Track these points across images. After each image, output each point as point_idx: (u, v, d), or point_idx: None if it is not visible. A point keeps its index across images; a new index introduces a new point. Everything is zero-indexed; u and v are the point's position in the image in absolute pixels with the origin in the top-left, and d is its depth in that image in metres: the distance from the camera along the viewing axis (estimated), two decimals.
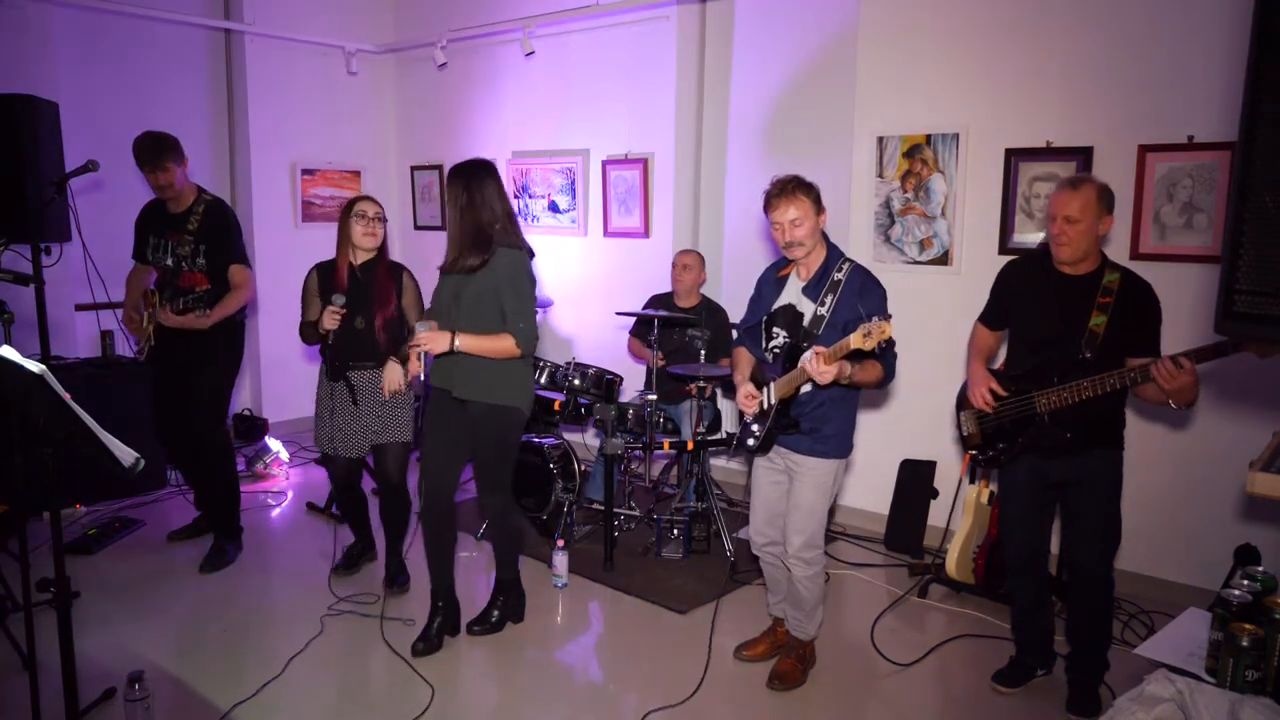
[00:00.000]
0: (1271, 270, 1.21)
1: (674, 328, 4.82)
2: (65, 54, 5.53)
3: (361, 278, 3.77)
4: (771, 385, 3.01)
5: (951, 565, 3.89)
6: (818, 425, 3.00)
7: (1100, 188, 2.84)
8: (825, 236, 3.03)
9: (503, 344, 3.25)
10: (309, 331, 3.80)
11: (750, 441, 3.07)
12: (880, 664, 3.43)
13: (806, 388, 2.96)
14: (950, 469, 4.48)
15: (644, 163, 5.63)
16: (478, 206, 3.25)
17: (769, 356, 3.08)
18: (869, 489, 4.82)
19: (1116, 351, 2.84)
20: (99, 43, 5.75)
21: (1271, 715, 1.74)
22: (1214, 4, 3.66)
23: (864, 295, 2.91)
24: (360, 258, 3.78)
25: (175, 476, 5.14)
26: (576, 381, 4.60)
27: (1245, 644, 1.87)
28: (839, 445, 3.06)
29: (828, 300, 2.93)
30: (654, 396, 4.44)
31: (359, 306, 3.74)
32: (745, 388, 3.08)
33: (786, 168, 5.20)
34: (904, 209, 4.56)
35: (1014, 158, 4.19)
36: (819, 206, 2.94)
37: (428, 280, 3.70)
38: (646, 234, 5.71)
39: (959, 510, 4.11)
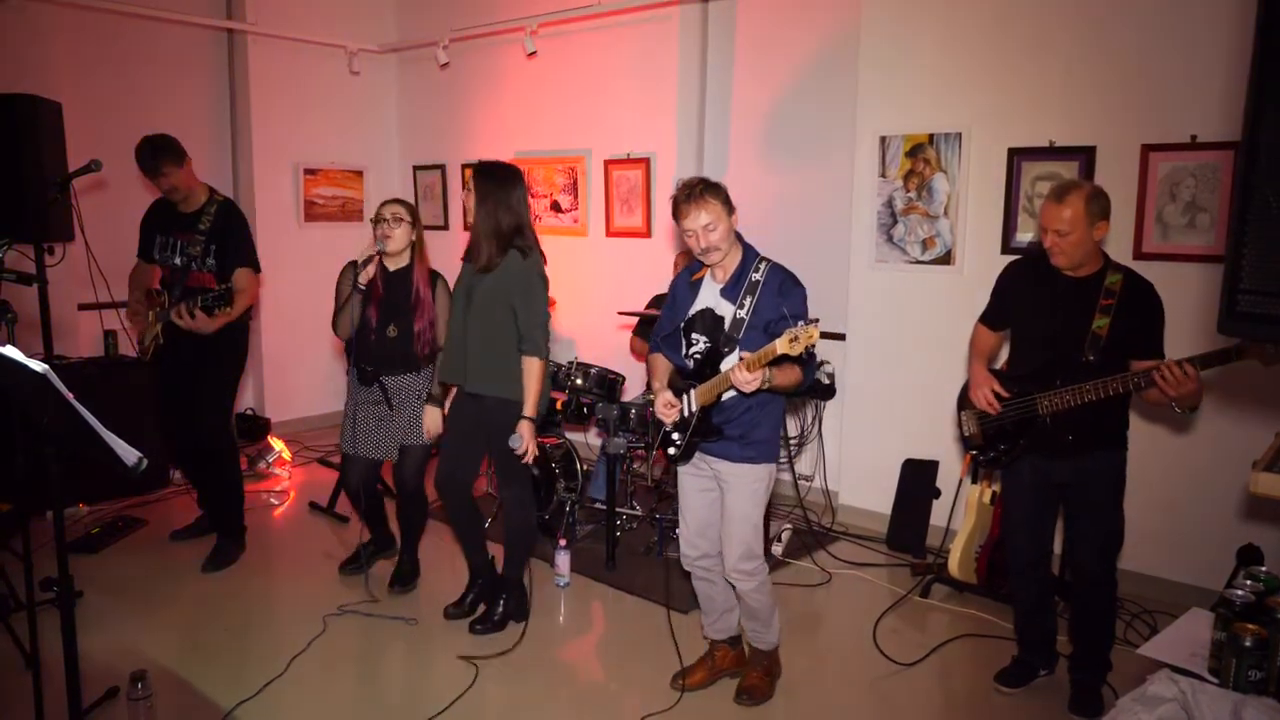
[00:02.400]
0: (1275, 270, 1.21)
1: None
2: (68, 54, 5.53)
3: (395, 283, 3.72)
4: (692, 392, 2.91)
5: (954, 565, 3.88)
6: (745, 431, 2.90)
7: (1089, 195, 2.79)
8: (739, 236, 2.93)
9: (535, 371, 3.36)
10: (340, 321, 3.73)
11: (671, 450, 2.98)
12: (882, 664, 3.43)
13: (730, 394, 2.87)
14: (952, 469, 4.48)
15: (646, 163, 5.62)
16: (499, 208, 3.32)
17: (689, 363, 2.98)
18: (871, 488, 4.81)
19: (1119, 353, 2.83)
20: (102, 43, 5.75)
21: (1274, 716, 1.74)
22: (1218, 3, 3.65)
23: (785, 295, 2.82)
24: (392, 263, 3.72)
25: (178, 476, 5.14)
26: (579, 381, 4.60)
27: (1248, 644, 1.87)
28: (768, 450, 2.96)
29: (747, 302, 2.84)
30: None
31: (391, 314, 3.70)
32: (664, 395, 2.97)
33: (789, 168, 5.27)
34: (906, 208, 4.55)
35: (1017, 157, 4.18)
36: (729, 207, 2.83)
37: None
38: (648, 234, 5.71)
39: (961, 510, 4.11)
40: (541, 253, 3.45)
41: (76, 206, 4.13)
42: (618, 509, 4.43)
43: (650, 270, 5.55)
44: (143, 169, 3.99)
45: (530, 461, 3.41)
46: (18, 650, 3.30)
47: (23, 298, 3.94)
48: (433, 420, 3.75)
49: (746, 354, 2.65)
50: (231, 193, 6.38)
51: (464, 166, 6.69)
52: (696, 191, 2.79)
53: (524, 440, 3.34)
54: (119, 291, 4.36)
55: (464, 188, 3.34)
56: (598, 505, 4.65)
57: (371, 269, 3.63)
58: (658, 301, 5.04)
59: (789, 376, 2.72)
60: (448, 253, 6.69)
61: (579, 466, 4.62)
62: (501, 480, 3.59)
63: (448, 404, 3.63)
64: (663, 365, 3.10)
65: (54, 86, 5.03)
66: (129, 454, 2.29)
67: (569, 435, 4.84)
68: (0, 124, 4.10)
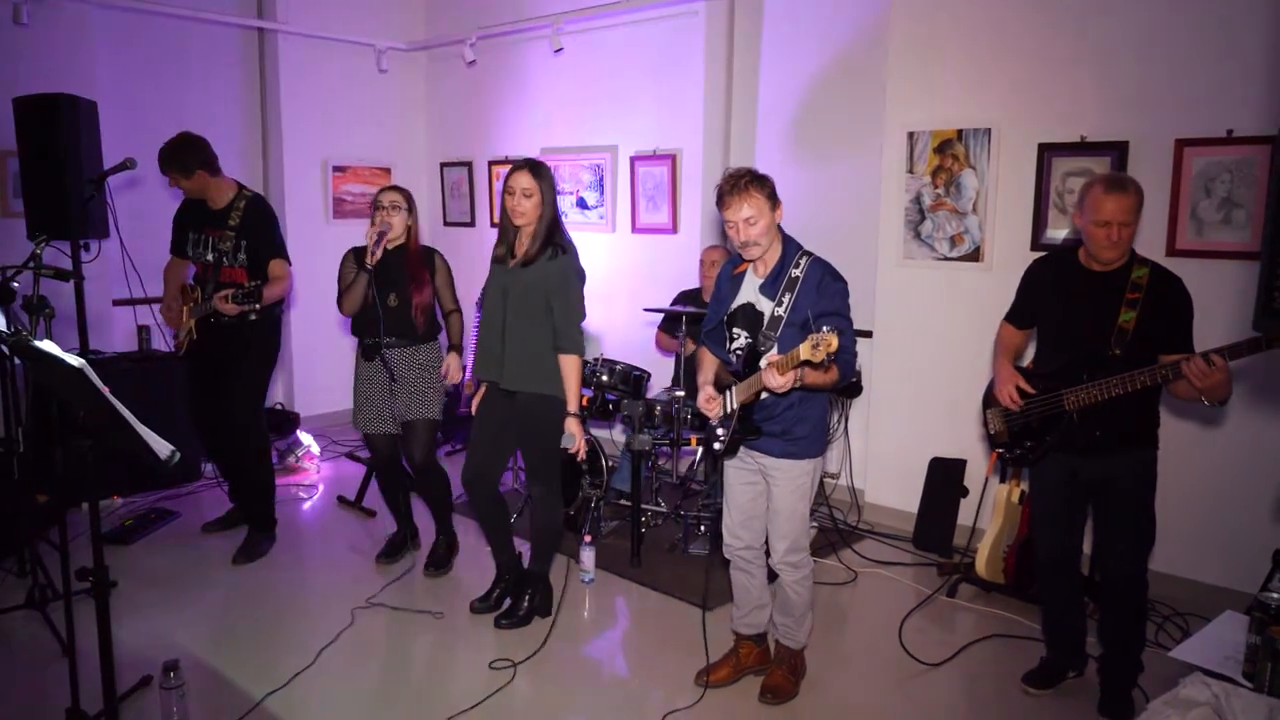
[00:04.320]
0: None
1: (701, 324, 4.80)
2: (104, 54, 5.62)
3: (392, 259, 3.90)
4: (734, 389, 2.92)
5: (981, 564, 3.85)
6: (789, 427, 2.91)
7: (1140, 187, 2.79)
8: (781, 231, 2.91)
9: (574, 368, 3.44)
10: (346, 299, 3.89)
11: (716, 445, 2.99)
12: (909, 664, 3.41)
13: (767, 393, 2.87)
14: (980, 467, 4.44)
15: (672, 159, 5.62)
16: (550, 205, 3.42)
17: (732, 358, 2.99)
18: (898, 487, 4.78)
19: (1147, 348, 2.80)
20: (136, 42, 5.83)
21: None
22: None
23: (822, 292, 2.79)
24: (390, 243, 3.91)
25: (210, 469, 5.21)
26: (604, 377, 4.61)
27: None
28: (812, 444, 2.97)
29: (785, 299, 2.82)
30: (682, 393, 4.44)
31: (390, 284, 3.88)
32: (706, 391, 2.99)
33: (816, 163, 5.24)
34: (935, 205, 4.52)
35: (1047, 153, 4.14)
36: (774, 201, 2.82)
37: (461, 269, 3.84)
38: (674, 230, 5.70)
39: (989, 509, 4.07)
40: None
41: (112, 204, 4.20)
42: (642, 505, 4.44)
43: (676, 266, 5.55)
44: (163, 172, 4.12)
45: (582, 456, 3.49)
46: (55, 638, 3.37)
47: (59, 293, 4.01)
48: (454, 365, 3.99)
49: (775, 356, 2.63)
50: (262, 189, 6.45)
51: (491, 163, 6.72)
52: (742, 183, 2.77)
53: (576, 437, 3.41)
54: (153, 287, 4.43)
55: (507, 191, 3.37)
56: (622, 501, 4.65)
57: (380, 252, 3.80)
58: (684, 298, 5.04)
59: (821, 377, 2.68)
60: (475, 250, 6.76)
61: (604, 463, 4.62)
62: (530, 476, 3.63)
63: (476, 401, 3.66)
64: (708, 360, 3.12)
65: (90, 86, 5.11)
66: (163, 447, 2.33)
67: (594, 431, 4.85)
68: (40, 123, 4.17)
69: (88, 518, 2.53)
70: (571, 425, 3.42)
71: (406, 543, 4.33)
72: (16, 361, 3.49)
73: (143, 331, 5.32)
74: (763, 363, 2.75)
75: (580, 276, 3.48)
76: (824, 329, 2.47)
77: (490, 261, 3.59)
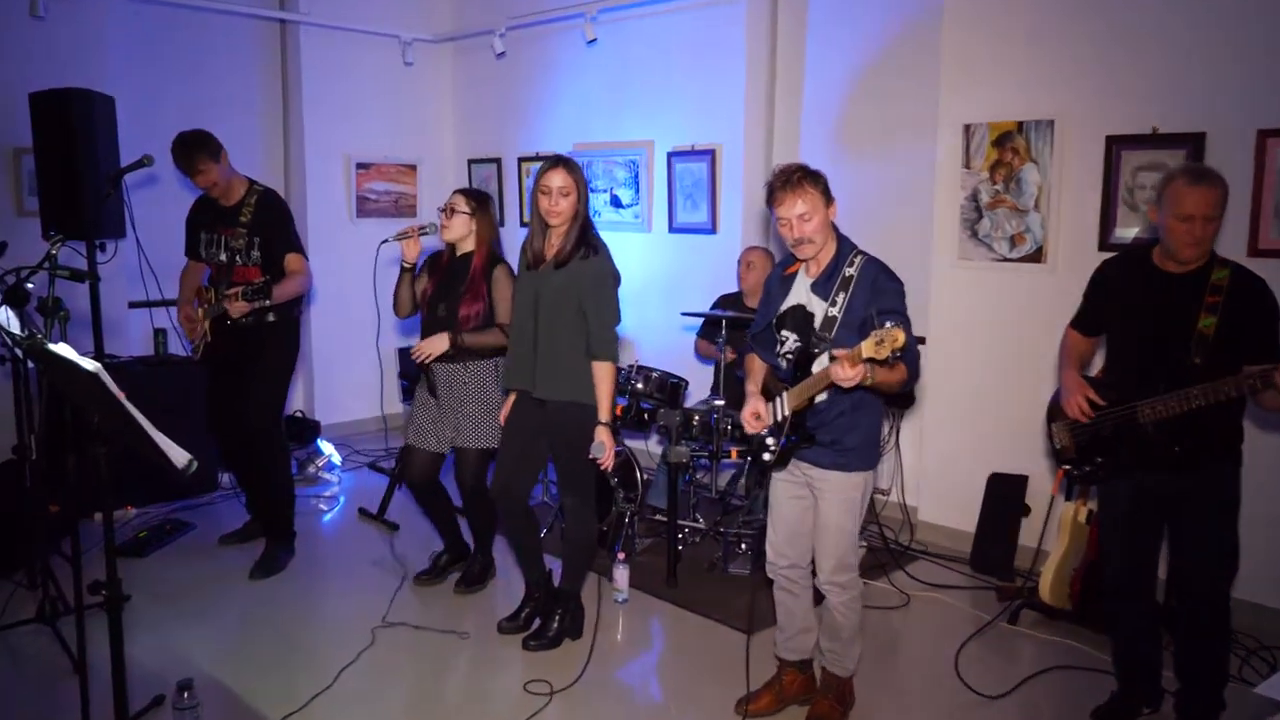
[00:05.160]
0: None
1: (743, 329, 4.77)
2: (121, 47, 5.72)
3: (457, 266, 3.92)
4: (784, 395, 2.91)
5: (1045, 589, 3.78)
6: (839, 436, 2.89)
7: (1224, 180, 2.73)
8: (835, 228, 2.92)
9: (607, 375, 3.42)
10: (396, 298, 3.97)
11: (765, 456, 2.98)
12: (965, 695, 3.35)
13: (822, 396, 2.85)
14: (1043, 484, 4.37)
15: (711, 154, 5.60)
16: (584, 203, 3.43)
17: (782, 363, 2.98)
18: (954, 505, 4.72)
19: (1229, 355, 2.73)
20: (154, 36, 5.93)
21: None
22: None
23: (878, 292, 2.79)
24: (460, 248, 3.93)
25: (227, 479, 5.27)
26: (639, 385, 4.59)
27: None
28: (864, 456, 2.94)
29: (839, 299, 2.81)
30: (721, 402, 4.41)
31: (445, 293, 3.89)
32: (751, 404, 2.98)
33: (865, 158, 5.20)
34: (993, 202, 4.46)
35: (1116, 145, 4.07)
36: (828, 197, 2.83)
37: None
38: (714, 230, 5.69)
39: (1053, 529, 4.00)
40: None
41: (128, 202, 4.26)
42: (679, 521, 4.41)
43: (716, 268, 5.53)
44: (179, 167, 4.14)
45: (610, 468, 3.47)
46: (65, 654, 3.41)
47: (74, 295, 4.08)
48: (437, 343, 3.79)
49: (841, 350, 2.59)
50: (283, 187, 6.54)
51: (521, 159, 6.75)
52: (794, 178, 2.78)
53: (605, 447, 3.39)
54: (170, 289, 4.49)
55: (541, 190, 3.38)
56: (658, 517, 4.63)
57: (409, 246, 3.86)
58: (724, 301, 5.01)
59: (889, 375, 2.65)
60: (505, 250, 6.74)
61: (639, 476, 4.61)
62: (562, 488, 3.63)
63: (505, 410, 3.66)
64: (757, 366, 3.12)
65: (107, 80, 5.20)
66: (180, 456, 2.35)
67: (629, 443, 4.84)
68: (55, 119, 4.25)
69: (101, 529, 2.56)
70: (601, 434, 3.41)
71: (453, 563, 4.28)
72: (30, 365, 3.55)
73: (159, 335, 5.41)
74: (817, 364, 2.72)
75: (615, 278, 3.49)
76: (886, 324, 2.46)
77: (519, 265, 3.60)
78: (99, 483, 2.49)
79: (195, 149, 4.06)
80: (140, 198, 5.00)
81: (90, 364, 2.28)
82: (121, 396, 2.32)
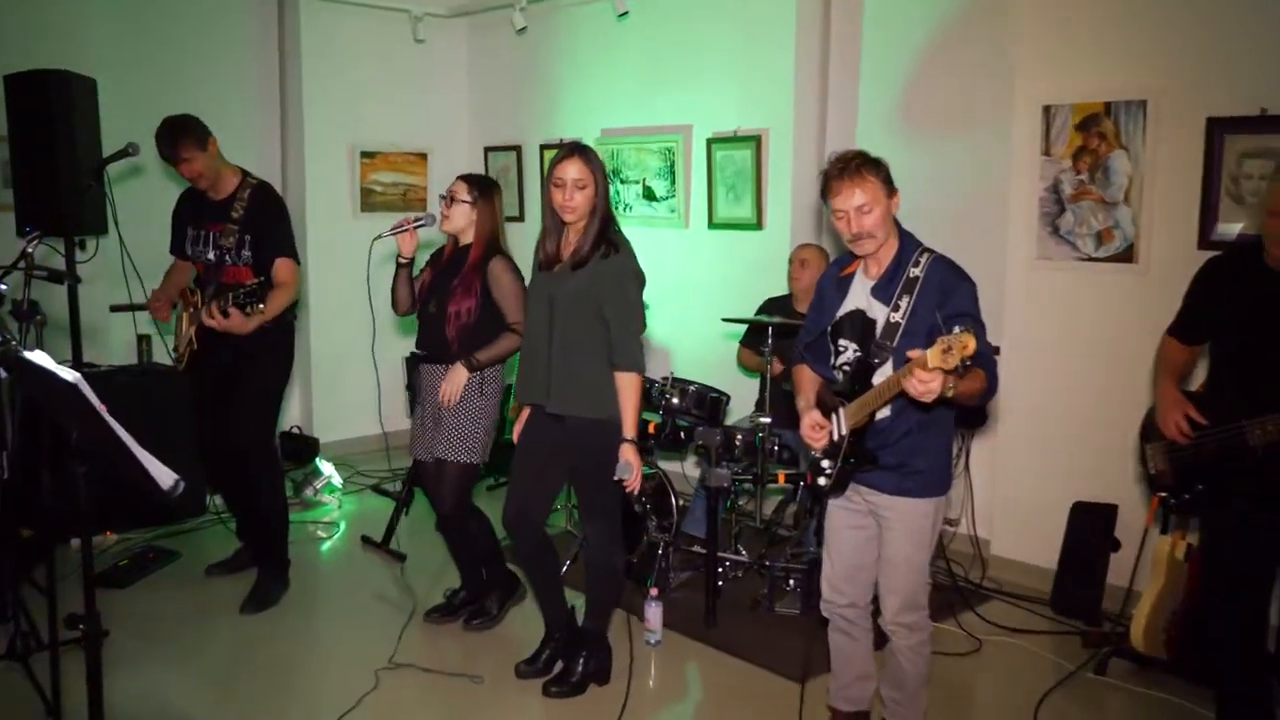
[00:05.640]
0: None
1: (792, 337, 4.76)
2: (103, 24, 5.81)
3: (456, 260, 3.99)
4: (841, 411, 2.90)
5: (1138, 635, 3.73)
6: (906, 459, 2.88)
7: None
8: (898, 224, 2.91)
9: (632, 387, 3.41)
10: (394, 293, 4.04)
11: (821, 480, 2.96)
12: None
13: (884, 412, 2.84)
14: (1135, 515, 4.31)
15: (757, 140, 5.60)
16: (603, 196, 3.44)
17: (838, 376, 2.98)
18: (1032, 537, 4.68)
19: None
20: (140, 11, 6.03)
21: None
22: None
23: (947, 294, 2.77)
24: (463, 238, 4.00)
25: (216, 502, 5.31)
26: (674, 400, 4.59)
27: None
28: (934, 481, 2.93)
29: (903, 302, 2.80)
30: (767, 419, 4.40)
31: (440, 288, 3.95)
32: (810, 415, 2.97)
33: (930, 145, 5.17)
34: (1076, 194, 4.43)
35: (1218, 129, 4.03)
36: (890, 188, 2.82)
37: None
38: (760, 225, 5.68)
39: (1146, 566, 3.95)
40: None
41: (111, 196, 4.32)
42: (720, 554, 4.40)
43: (761, 268, 5.53)
44: (163, 154, 4.16)
45: (635, 491, 3.47)
46: (38, 695, 3.45)
47: (51, 298, 4.15)
48: (455, 380, 3.83)
49: (916, 351, 2.54)
50: (279, 178, 6.59)
51: (543, 147, 6.78)
52: (852, 166, 2.78)
53: (632, 467, 3.39)
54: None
55: (554, 183, 3.40)
56: (696, 549, 4.62)
57: (405, 240, 3.91)
58: (770, 305, 5.00)
59: (974, 383, 2.62)
60: (526, 248, 6.71)
61: (674, 502, 4.60)
62: (585, 516, 3.63)
63: (518, 427, 3.67)
64: (808, 378, 3.12)
65: (88, 61, 5.27)
66: (166, 476, 2.38)
67: (662, 465, 4.83)
68: (31, 103, 4.32)
69: (78, 556, 2.59)
70: (627, 453, 3.40)
71: (467, 604, 4.25)
72: (3, 374, 3.62)
73: (143, 341, 5.45)
74: (877, 376, 2.70)
75: (639, 279, 3.49)
76: (955, 329, 2.44)
77: (532, 266, 3.61)
78: (77, 505, 2.53)
79: (180, 135, 4.08)
80: (124, 191, 5.08)
81: (68, 373, 2.32)
82: (102, 409, 2.35)
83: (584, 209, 3.41)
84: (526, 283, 3.80)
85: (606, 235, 3.44)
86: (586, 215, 3.43)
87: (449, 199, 3.92)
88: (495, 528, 4.08)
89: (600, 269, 3.41)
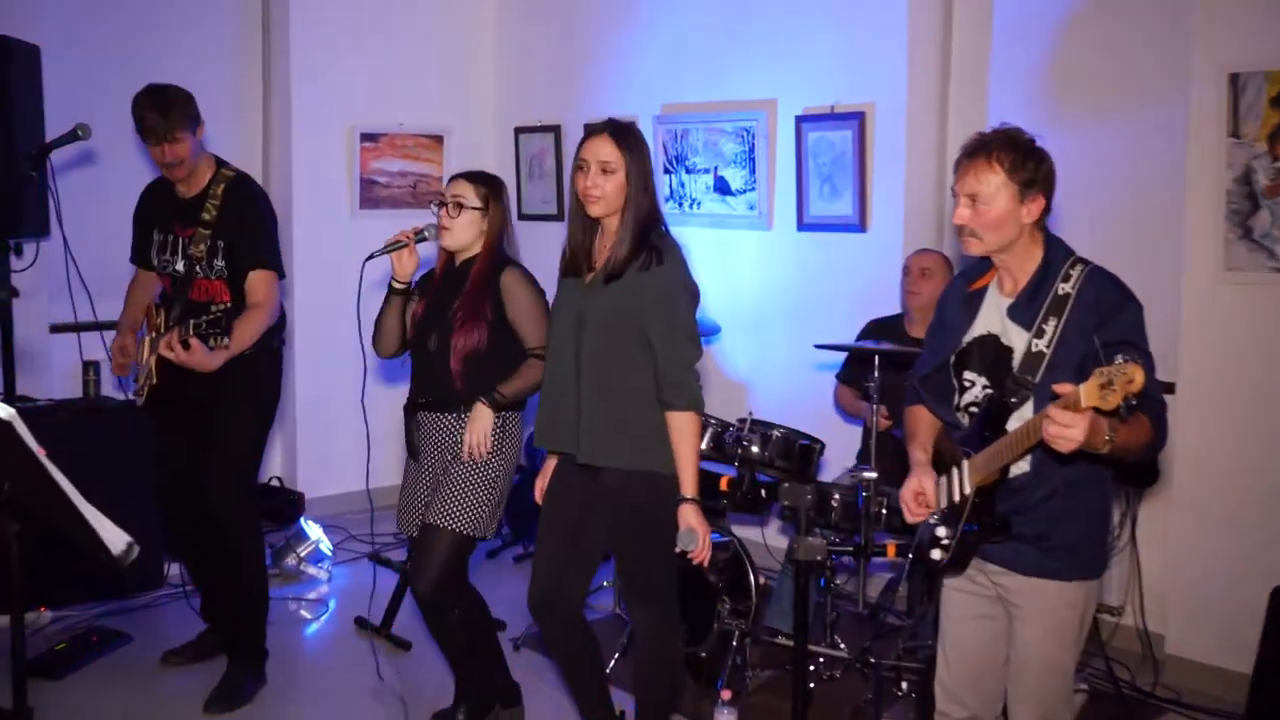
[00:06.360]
0: None
1: (905, 371, 4.72)
2: None
3: (453, 280, 3.90)
4: (965, 465, 2.86)
5: None
6: (1048, 529, 2.82)
7: None
8: (1045, 230, 2.87)
9: (689, 430, 3.38)
10: (377, 331, 3.96)
11: (936, 554, 2.91)
12: None
13: (1021, 467, 2.79)
14: None
15: (859, 119, 5.60)
16: (641, 188, 3.40)
17: (963, 419, 2.95)
18: (1219, 632, 4.61)
19: None
20: None
21: None
22: None
23: (1106, 317, 2.72)
24: (460, 255, 3.92)
25: (177, 571, 5.33)
26: (754, 449, 4.57)
27: None
28: (1084, 559, 2.87)
29: (1048, 327, 2.75)
30: (873, 474, 4.35)
31: (435, 320, 3.86)
32: (914, 480, 2.95)
33: (1081, 125, 5.14)
34: (1274, 185, 4.37)
35: None
36: (1029, 186, 2.75)
37: (545, 281, 3.82)
38: (863, 226, 5.67)
39: None
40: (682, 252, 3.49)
41: (55, 189, 4.38)
42: (811, 647, 4.35)
43: (865, 281, 5.53)
44: (145, 128, 4.11)
45: (700, 559, 3.43)
46: None
47: None
48: (480, 423, 3.73)
49: (1067, 386, 2.49)
50: (261, 167, 6.68)
51: (587, 128, 6.79)
52: (986, 144, 2.77)
53: (698, 535, 3.36)
54: (106, 309, 4.56)
55: (579, 165, 3.41)
56: (780, 640, 4.59)
57: (402, 260, 3.82)
58: (877, 328, 4.98)
59: (1136, 434, 2.57)
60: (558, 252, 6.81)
61: (752, 580, 4.57)
62: (633, 597, 3.60)
63: (542, 483, 3.66)
64: (925, 422, 3.10)
65: (30, 23, 5.33)
66: (116, 539, 2.40)
67: (737, 530, 4.81)
68: None
69: (8, 637, 2.61)
70: (689, 516, 3.36)
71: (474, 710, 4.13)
72: None
73: (90, 369, 5.51)
74: (1013, 420, 2.69)
75: (691, 293, 3.46)
76: (1116, 359, 2.40)
77: (558, 274, 3.58)
78: (8, 574, 2.55)
79: (177, 107, 4.09)
80: (71, 183, 5.15)
81: (2, 410, 2.35)
82: (41, 454, 2.38)
83: (611, 199, 3.38)
84: (549, 297, 3.78)
85: (648, 239, 3.40)
86: (615, 210, 3.40)
87: (451, 205, 3.82)
88: (489, 611, 4.06)
89: (640, 281, 3.36)
